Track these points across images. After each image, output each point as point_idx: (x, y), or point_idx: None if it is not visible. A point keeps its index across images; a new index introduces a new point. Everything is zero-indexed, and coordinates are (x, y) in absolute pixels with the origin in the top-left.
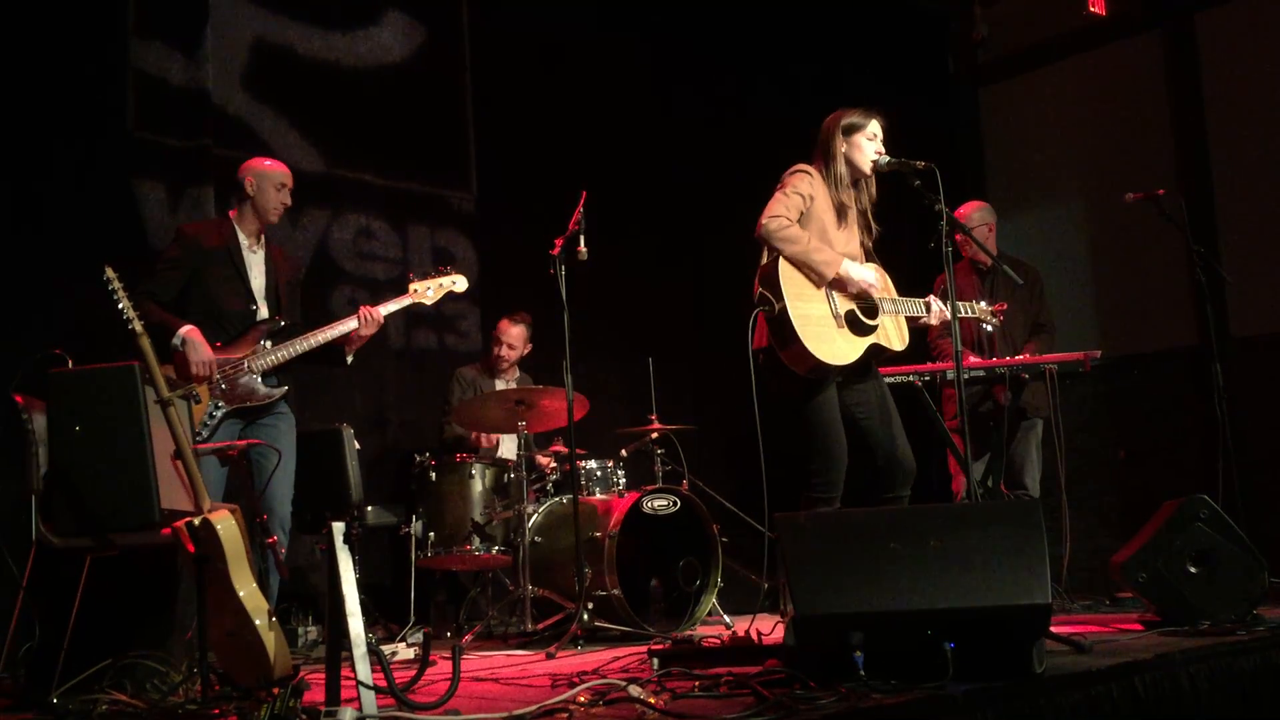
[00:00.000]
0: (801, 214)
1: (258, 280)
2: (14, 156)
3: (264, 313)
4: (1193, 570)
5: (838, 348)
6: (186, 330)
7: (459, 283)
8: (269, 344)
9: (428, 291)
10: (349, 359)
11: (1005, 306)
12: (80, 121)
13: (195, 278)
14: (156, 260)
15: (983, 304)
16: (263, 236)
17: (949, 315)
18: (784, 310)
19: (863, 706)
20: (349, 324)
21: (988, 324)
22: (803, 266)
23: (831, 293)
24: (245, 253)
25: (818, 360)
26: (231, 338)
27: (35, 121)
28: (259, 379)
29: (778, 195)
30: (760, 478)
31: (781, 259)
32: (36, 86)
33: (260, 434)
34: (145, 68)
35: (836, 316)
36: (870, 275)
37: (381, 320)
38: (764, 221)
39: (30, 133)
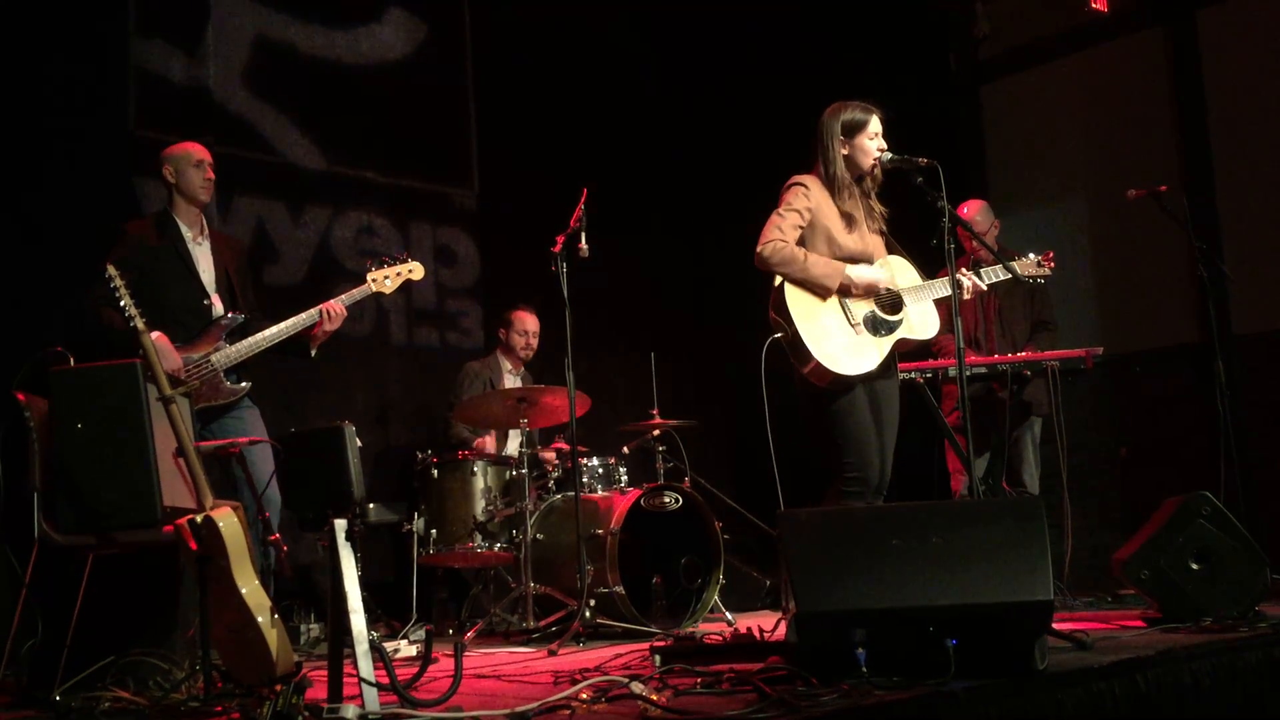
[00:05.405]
0: (802, 229)
1: (207, 274)
2: (15, 155)
3: (219, 307)
4: (1195, 567)
5: (858, 357)
6: (155, 336)
7: (416, 270)
8: (227, 340)
9: (385, 281)
10: (313, 352)
11: (1052, 254)
12: (82, 120)
13: (144, 278)
14: (102, 265)
15: (1030, 256)
16: (204, 226)
17: (983, 285)
18: (796, 334)
19: (865, 703)
20: (308, 317)
21: (1038, 279)
22: (805, 284)
23: (845, 300)
24: (191, 246)
25: (837, 374)
26: (190, 336)
27: (37, 120)
28: (222, 376)
29: (772, 218)
30: (764, 477)
31: (786, 282)
32: (38, 85)
33: (230, 429)
34: (147, 66)
35: (855, 324)
36: (874, 273)
37: (344, 314)
38: (759, 250)
39: (32, 131)
